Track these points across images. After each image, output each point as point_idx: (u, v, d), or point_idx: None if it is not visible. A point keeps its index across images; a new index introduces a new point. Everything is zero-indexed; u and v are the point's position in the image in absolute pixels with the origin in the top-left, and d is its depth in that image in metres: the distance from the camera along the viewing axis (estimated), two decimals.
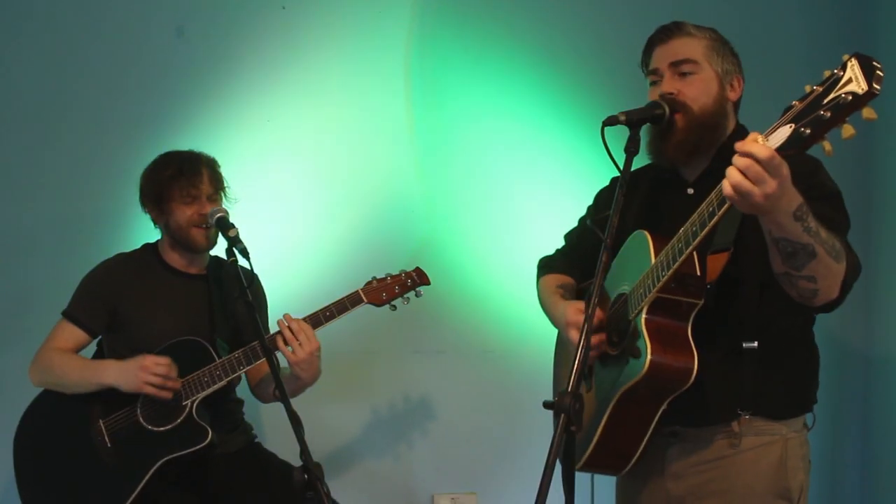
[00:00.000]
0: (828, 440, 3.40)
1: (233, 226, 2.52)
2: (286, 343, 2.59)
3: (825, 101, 1.53)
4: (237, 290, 2.36)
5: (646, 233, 2.04)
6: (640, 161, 2.04)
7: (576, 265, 2.40)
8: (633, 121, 1.98)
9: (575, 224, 2.47)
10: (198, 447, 2.58)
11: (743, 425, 2.02)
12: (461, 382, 3.44)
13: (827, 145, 1.56)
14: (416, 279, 2.81)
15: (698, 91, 2.06)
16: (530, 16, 3.48)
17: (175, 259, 2.83)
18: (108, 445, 2.63)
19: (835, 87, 1.53)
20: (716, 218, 1.77)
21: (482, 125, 3.46)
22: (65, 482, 2.63)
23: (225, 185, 2.82)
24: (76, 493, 2.62)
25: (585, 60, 3.47)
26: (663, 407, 2.00)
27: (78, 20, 3.31)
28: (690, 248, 1.84)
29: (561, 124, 3.45)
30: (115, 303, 2.74)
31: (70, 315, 2.74)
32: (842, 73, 1.53)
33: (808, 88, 1.58)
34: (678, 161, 2.10)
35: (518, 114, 3.47)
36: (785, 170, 1.63)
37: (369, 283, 2.77)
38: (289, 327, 2.59)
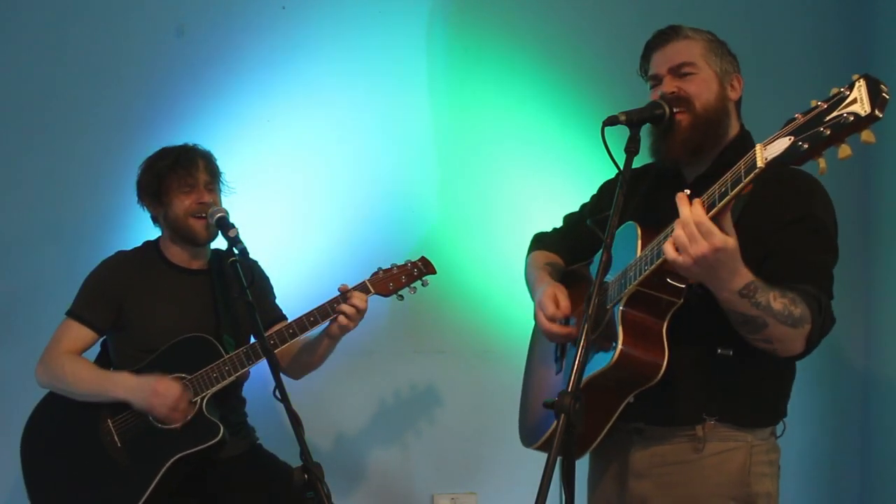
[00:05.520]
0: (827, 443, 3.40)
1: (233, 226, 2.53)
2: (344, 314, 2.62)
3: (827, 118, 1.52)
4: (237, 290, 2.36)
5: (636, 224, 2.04)
6: (641, 160, 2.04)
7: (568, 247, 2.44)
8: (633, 121, 1.98)
9: (576, 208, 2.49)
10: (210, 443, 2.57)
11: (707, 430, 2.02)
12: (461, 382, 3.44)
13: (822, 163, 1.55)
14: (422, 268, 2.80)
15: (699, 88, 2.06)
16: (530, 16, 3.48)
17: (177, 254, 2.81)
18: (119, 445, 2.61)
19: (839, 105, 1.51)
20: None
21: (482, 125, 3.46)
22: (76, 483, 2.61)
23: (221, 174, 2.82)
24: (89, 494, 2.60)
25: (586, 60, 3.47)
26: (628, 399, 1.99)
27: (77, 20, 3.31)
28: None
29: (562, 125, 3.45)
30: (121, 300, 2.72)
31: (76, 314, 2.72)
32: (848, 93, 1.51)
33: (813, 103, 1.56)
34: (682, 160, 2.10)
35: (519, 114, 3.47)
36: (719, 241, 1.67)
37: (375, 273, 2.75)
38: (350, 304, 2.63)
